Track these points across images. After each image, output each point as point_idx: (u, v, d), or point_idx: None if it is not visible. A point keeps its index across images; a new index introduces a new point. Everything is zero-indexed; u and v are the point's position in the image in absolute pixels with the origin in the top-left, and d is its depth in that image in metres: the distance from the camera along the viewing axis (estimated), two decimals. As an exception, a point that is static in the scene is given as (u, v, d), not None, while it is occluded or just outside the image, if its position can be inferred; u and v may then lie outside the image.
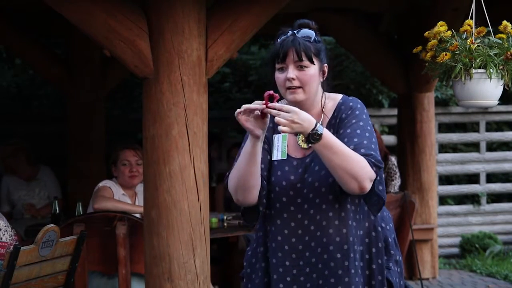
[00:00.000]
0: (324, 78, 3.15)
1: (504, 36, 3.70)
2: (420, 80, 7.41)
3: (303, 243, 3.13)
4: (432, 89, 7.83)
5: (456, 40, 3.72)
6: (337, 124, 3.12)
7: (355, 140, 3.02)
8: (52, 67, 7.67)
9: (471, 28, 3.73)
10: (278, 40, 3.12)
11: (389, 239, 3.27)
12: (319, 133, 2.91)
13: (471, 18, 3.81)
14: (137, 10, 4.52)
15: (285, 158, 3.12)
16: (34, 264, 4.08)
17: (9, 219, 5.34)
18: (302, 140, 3.15)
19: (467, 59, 3.66)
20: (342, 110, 3.13)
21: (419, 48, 3.87)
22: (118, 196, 5.55)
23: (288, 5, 4.72)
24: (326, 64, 3.14)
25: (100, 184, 5.57)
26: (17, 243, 4.23)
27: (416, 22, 7.19)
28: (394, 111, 8.39)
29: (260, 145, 3.02)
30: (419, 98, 7.71)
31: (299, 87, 3.07)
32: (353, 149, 2.98)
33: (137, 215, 5.27)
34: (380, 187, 3.09)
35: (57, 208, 5.95)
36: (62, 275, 4.34)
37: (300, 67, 3.06)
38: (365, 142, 3.02)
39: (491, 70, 3.65)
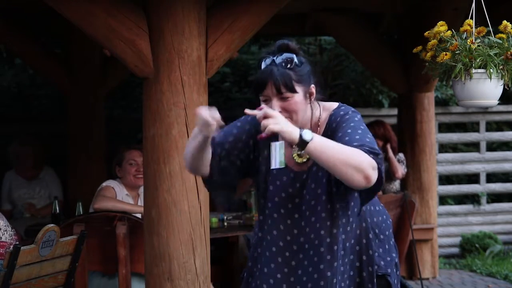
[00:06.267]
0: (312, 99, 3.08)
1: (504, 36, 3.71)
2: (420, 80, 7.41)
3: (296, 261, 3.14)
4: (432, 89, 7.83)
5: (456, 40, 3.72)
6: (329, 137, 3.04)
7: (346, 138, 2.97)
8: (52, 67, 7.66)
9: (471, 28, 3.74)
10: (260, 67, 3.03)
11: (386, 246, 3.28)
12: (307, 139, 2.82)
13: (471, 18, 3.81)
14: (137, 10, 4.52)
15: (284, 167, 3.08)
16: (34, 264, 4.08)
17: (9, 218, 5.34)
18: (298, 155, 3.13)
19: (467, 59, 3.67)
20: (333, 121, 3.09)
21: (419, 48, 3.87)
22: (122, 197, 5.55)
23: (288, 5, 4.72)
24: (313, 85, 3.06)
25: (104, 184, 5.57)
26: (17, 242, 4.24)
27: (416, 22, 7.19)
28: (394, 111, 8.38)
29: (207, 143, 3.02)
30: (419, 98, 7.71)
31: (286, 117, 2.97)
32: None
33: (138, 215, 5.27)
34: (382, 174, 3.03)
35: (57, 208, 5.94)
36: (62, 275, 4.34)
37: (283, 98, 2.98)
38: (357, 137, 2.96)
39: (491, 70, 3.65)
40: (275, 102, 2.98)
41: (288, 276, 3.14)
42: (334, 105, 3.16)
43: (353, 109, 3.14)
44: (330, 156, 2.84)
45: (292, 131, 2.83)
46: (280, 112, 2.93)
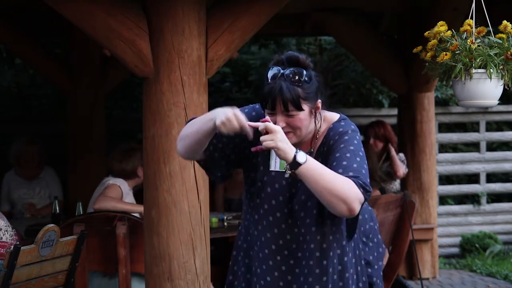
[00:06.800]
0: (317, 114, 3.06)
1: (504, 36, 3.71)
2: (420, 80, 7.41)
3: (287, 266, 3.14)
4: (432, 89, 7.83)
5: (456, 40, 3.72)
6: (325, 152, 3.05)
7: (344, 163, 2.93)
8: (52, 67, 7.67)
9: (471, 28, 3.74)
10: (268, 77, 2.98)
11: (375, 253, 3.29)
12: (300, 161, 2.82)
13: (471, 18, 3.81)
14: (137, 10, 4.52)
15: (284, 171, 3.03)
16: (34, 264, 4.08)
17: (9, 218, 5.33)
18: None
19: (467, 59, 3.67)
20: (331, 137, 3.06)
21: (419, 48, 3.87)
22: (129, 193, 5.56)
23: (288, 5, 4.72)
24: (319, 101, 3.03)
25: (110, 182, 5.53)
26: (18, 242, 4.24)
27: (416, 22, 7.20)
28: (394, 111, 8.39)
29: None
30: (419, 98, 7.72)
31: (290, 132, 2.97)
32: (341, 172, 2.89)
33: (137, 215, 5.27)
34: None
35: (57, 208, 5.94)
36: (62, 275, 4.34)
37: (289, 115, 2.96)
38: (354, 165, 2.93)
39: (491, 70, 3.65)
40: (280, 118, 2.96)
41: (278, 281, 3.13)
42: (335, 117, 3.12)
43: (353, 126, 3.10)
44: (319, 183, 2.84)
45: (287, 151, 2.83)
46: (284, 127, 2.93)
